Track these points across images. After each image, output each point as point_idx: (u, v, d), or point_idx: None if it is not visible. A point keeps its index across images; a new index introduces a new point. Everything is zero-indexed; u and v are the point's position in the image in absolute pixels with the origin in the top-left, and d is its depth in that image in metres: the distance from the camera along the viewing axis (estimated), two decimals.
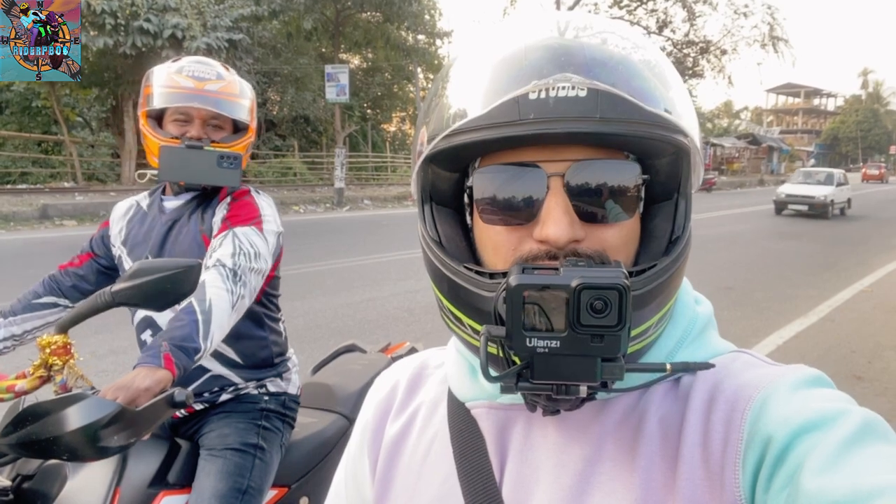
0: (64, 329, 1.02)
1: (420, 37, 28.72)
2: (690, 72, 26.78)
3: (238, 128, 1.73)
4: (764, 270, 9.23)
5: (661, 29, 26.86)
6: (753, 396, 0.54)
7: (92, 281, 1.73)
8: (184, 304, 1.32)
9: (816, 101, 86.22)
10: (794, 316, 6.50)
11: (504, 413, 0.63)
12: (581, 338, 0.46)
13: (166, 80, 1.63)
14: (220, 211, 1.65)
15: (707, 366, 0.53)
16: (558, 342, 0.47)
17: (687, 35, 27.20)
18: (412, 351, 2.23)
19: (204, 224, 1.64)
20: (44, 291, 1.67)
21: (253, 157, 20.73)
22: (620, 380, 0.48)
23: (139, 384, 1.02)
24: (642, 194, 0.61)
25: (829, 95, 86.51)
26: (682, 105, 0.58)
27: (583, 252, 0.56)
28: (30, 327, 1.63)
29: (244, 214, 1.61)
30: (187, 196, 1.70)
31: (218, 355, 1.65)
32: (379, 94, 28.02)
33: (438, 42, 30.01)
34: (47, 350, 1.02)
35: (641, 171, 0.59)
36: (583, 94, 0.53)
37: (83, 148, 18.95)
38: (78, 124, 19.91)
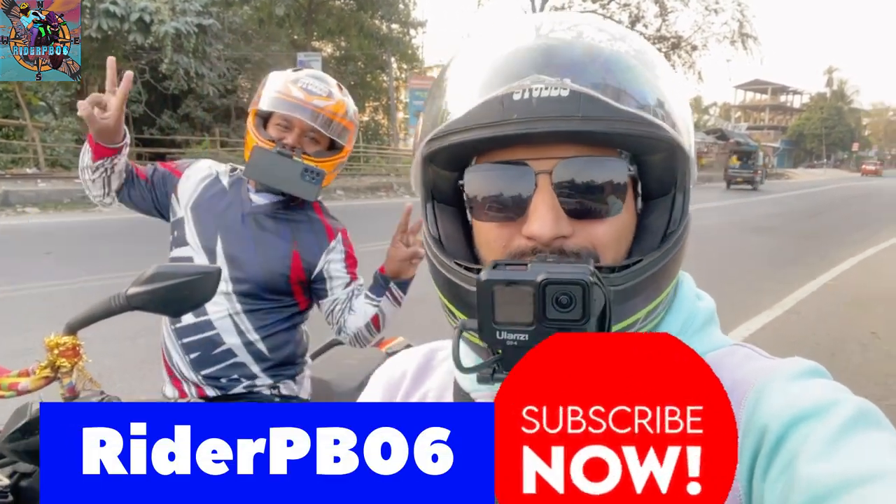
0: (73, 330, 1.00)
1: (394, 26, 28.46)
2: None
3: (335, 145, 1.81)
4: (731, 264, 9.42)
5: (633, 24, 27.09)
6: (750, 387, 0.55)
7: (133, 191, 1.79)
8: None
9: (783, 98, 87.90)
10: (761, 308, 6.65)
11: None
12: (548, 331, 0.48)
13: (280, 87, 1.72)
14: (336, 254, 1.81)
15: None
16: (527, 335, 0.49)
17: (659, 30, 27.54)
18: (408, 347, 2.24)
19: (301, 246, 1.76)
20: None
21: (223, 144, 20.39)
22: None
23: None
24: (639, 190, 0.62)
25: (795, 92, 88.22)
26: (670, 97, 0.59)
27: (569, 249, 0.57)
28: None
29: (356, 267, 1.85)
30: (273, 198, 1.78)
31: (247, 343, 1.70)
32: (352, 83, 27.63)
33: (412, 32, 29.81)
34: (55, 351, 0.99)
35: (637, 168, 0.60)
36: (565, 93, 0.54)
37: (46, 133, 18.39)
38: (41, 108, 19.29)
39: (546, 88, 0.55)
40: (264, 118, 1.77)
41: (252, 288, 1.68)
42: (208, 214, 1.75)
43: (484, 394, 0.67)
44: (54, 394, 1.03)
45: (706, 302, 0.69)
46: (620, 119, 0.55)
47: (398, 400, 0.76)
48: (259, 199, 1.78)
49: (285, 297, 1.75)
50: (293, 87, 1.71)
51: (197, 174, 1.83)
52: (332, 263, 1.78)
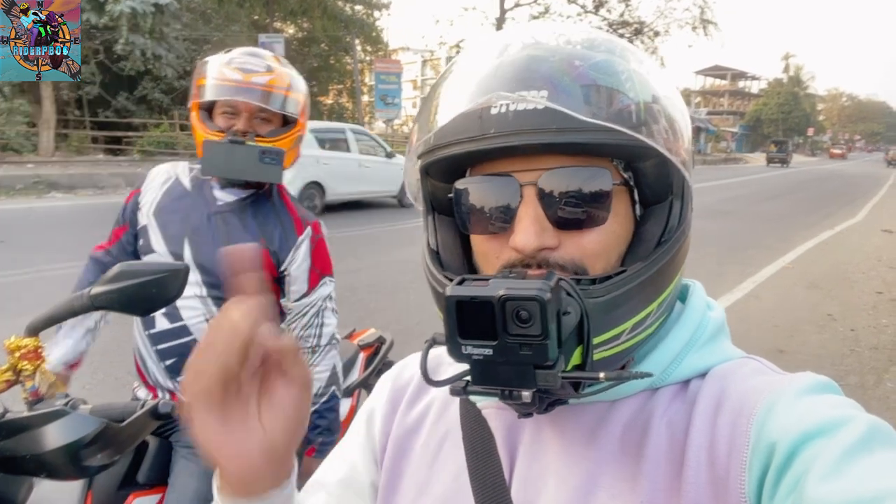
0: (35, 332, 0.95)
1: (358, 7, 28.03)
2: None
3: (287, 121, 1.72)
4: (692, 248, 9.61)
5: (597, 9, 27.23)
6: (760, 402, 0.54)
7: (120, 257, 1.72)
8: (329, 399, 1.70)
9: (742, 84, 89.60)
10: (721, 292, 6.81)
11: (513, 414, 0.64)
12: (511, 346, 0.48)
13: (216, 72, 1.63)
14: (303, 247, 1.70)
15: (645, 375, 0.53)
16: (491, 350, 0.49)
17: (622, 16, 27.72)
18: (380, 338, 2.23)
19: (268, 239, 1.68)
20: (94, 279, 1.66)
21: (182, 128, 19.88)
22: (555, 387, 0.49)
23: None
24: (636, 197, 0.61)
25: (753, 78, 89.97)
26: (657, 103, 0.58)
27: (554, 260, 0.57)
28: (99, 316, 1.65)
29: (326, 262, 1.76)
30: (240, 193, 1.71)
31: None
32: (315, 65, 27.20)
33: (377, 13, 29.41)
34: (16, 354, 0.95)
35: (633, 175, 0.60)
36: (540, 106, 0.54)
37: None
38: None
39: (523, 101, 0.55)
40: (208, 109, 1.68)
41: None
42: (173, 218, 1.67)
43: (490, 403, 0.67)
44: (16, 397, 0.99)
45: (716, 312, 0.68)
46: (595, 129, 0.54)
47: (401, 409, 0.75)
48: (225, 197, 1.70)
49: None
50: (228, 70, 1.61)
51: (156, 180, 1.74)
52: (295, 263, 1.69)
